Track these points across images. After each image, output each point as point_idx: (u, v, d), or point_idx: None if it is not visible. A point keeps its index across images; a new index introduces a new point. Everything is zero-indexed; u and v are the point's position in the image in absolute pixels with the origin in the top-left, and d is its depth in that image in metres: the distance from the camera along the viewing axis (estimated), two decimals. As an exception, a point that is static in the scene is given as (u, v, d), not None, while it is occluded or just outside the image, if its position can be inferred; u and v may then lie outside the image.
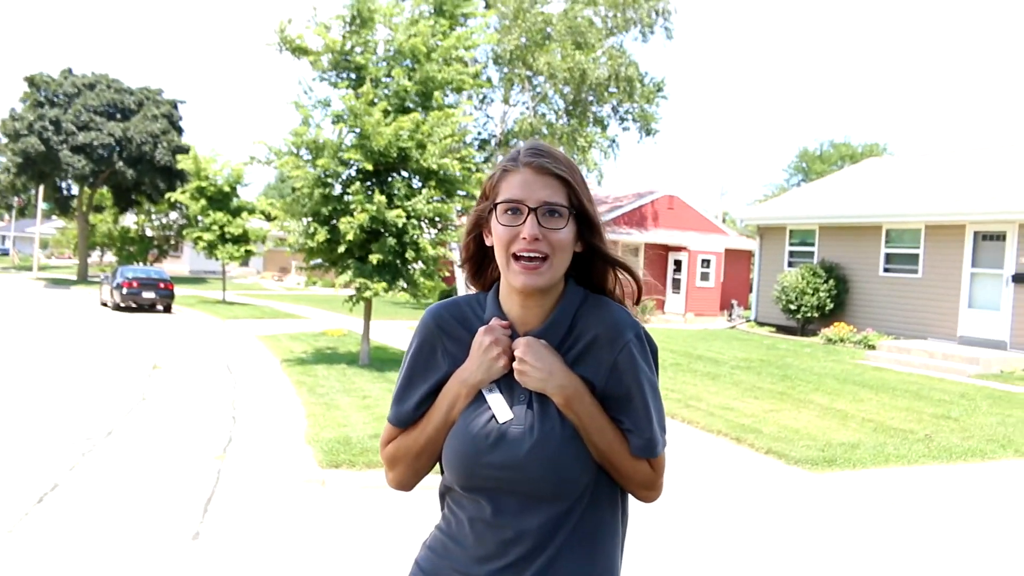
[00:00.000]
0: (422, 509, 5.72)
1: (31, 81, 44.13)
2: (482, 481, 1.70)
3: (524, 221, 1.66)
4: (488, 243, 1.76)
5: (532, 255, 1.66)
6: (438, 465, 1.85)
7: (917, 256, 18.01)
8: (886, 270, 18.82)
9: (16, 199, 59.25)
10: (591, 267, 1.81)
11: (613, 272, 1.82)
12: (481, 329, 1.75)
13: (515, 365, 1.70)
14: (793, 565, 5.12)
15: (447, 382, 1.78)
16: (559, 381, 1.68)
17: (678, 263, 29.49)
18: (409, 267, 13.05)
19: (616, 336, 1.72)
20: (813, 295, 19.31)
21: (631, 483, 1.76)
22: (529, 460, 1.66)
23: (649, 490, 1.79)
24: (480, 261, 1.85)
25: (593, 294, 1.80)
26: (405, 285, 13.18)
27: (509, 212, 1.68)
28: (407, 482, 1.87)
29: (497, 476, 1.68)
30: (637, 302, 1.86)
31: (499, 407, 1.71)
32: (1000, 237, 16.26)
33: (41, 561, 4.82)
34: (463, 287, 29.88)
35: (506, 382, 1.73)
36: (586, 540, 1.71)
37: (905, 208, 18.40)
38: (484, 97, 29.34)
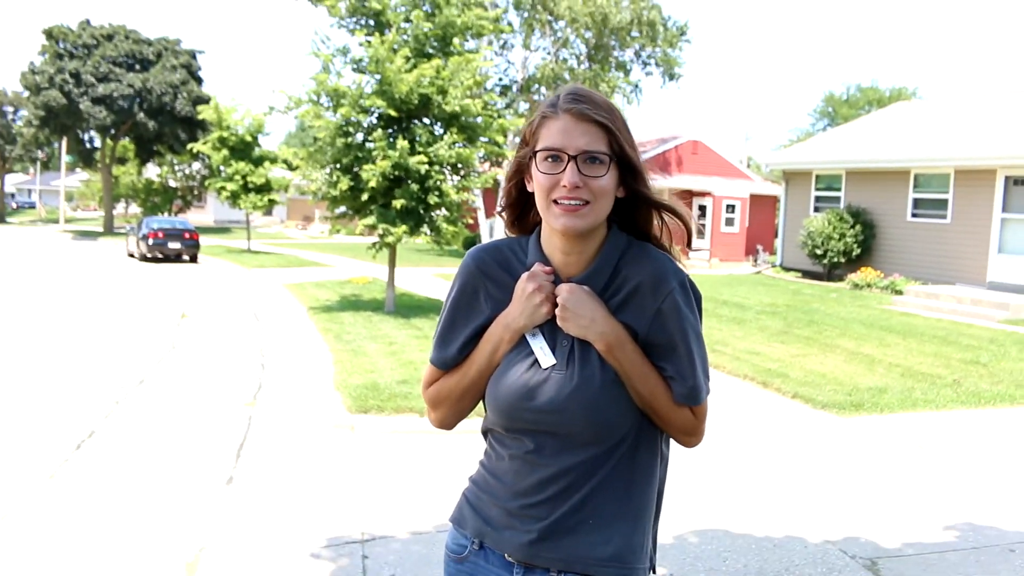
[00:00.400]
0: (449, 454, 5.79)
1: (49, 34, 44.09)
2: (524, 424, 1.73)
3: (564, 169, 1.65)
4: (530, 189, 1.75)
5: (573, 201, 1.65)
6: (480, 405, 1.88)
7: (946, 201, 17.75)
8: (914, 215, 18.58)
9: (40, 152, 59.66)
10: (635, 212, 1.79)
11: (659, 216, 1.81)
12: (524, 275, 1.75)
13: (557, 312, 1.71)
14: (820, 506, 5.14)
15: (490, 326, 1.79)
16: (601, 328, 1.69)
17: (702, 208, 29.25)
18: (432, 213, 13.04)
19: (660, 284, 1.71)
20: (839, 240, 19.13)
21: (673, 428, 1.78)
22: (570, 405, 1.68)
23: (690, 436, 1.81)
24: (522, 207, 1.84)
25: (637, 241, 1.79)
26: (428, 231, 13.17)
27: (549, 160, 1.67)
28: (449, 422, 1.91)
29: (538, 419, 1.71)
30: (688, 244, 1.85)
31: (542, 352, 1.73)
32: (1032, 180, 15.97)
33: (81, 505, 4.93)
34: (486, 234, 29.86)
35: (549, 327, 1.74)
36: (623, 481, 1.74)
37: (934, 153, 18.09)
38: (504, 43, 29.00)
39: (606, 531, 1.73)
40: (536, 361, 1.73)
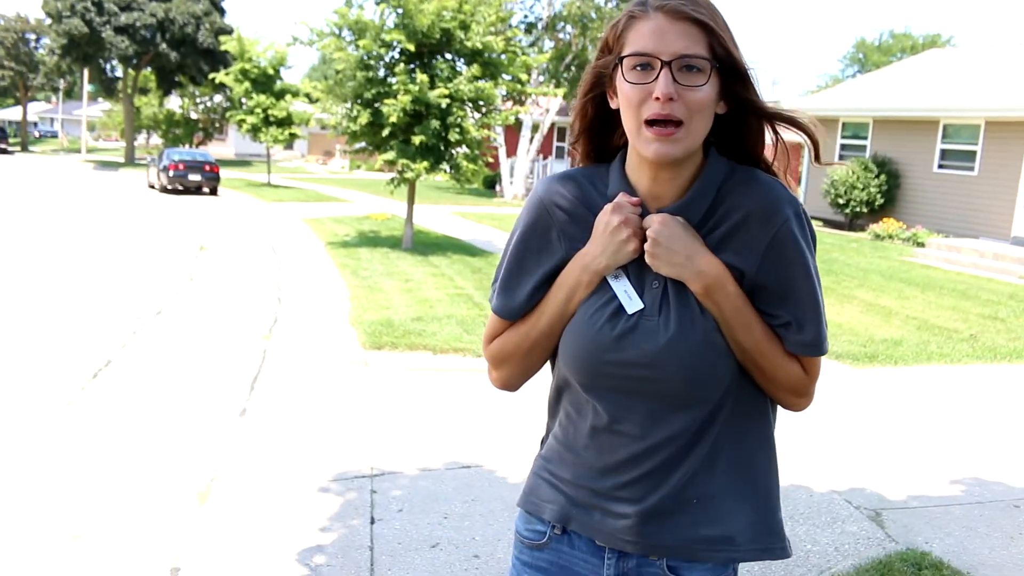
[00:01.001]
0: (461, 393, 5.83)
1: (71, -41, 43.65)
2: (608, 381, 1.48)
3: (656, 78, 1.38)
4: (613, 106, 1.49)
5: (666, 120, 1.39)
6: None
7: (975, 153, 17.43)
8: (940, 166, 18.28)
9: (62, 81, 59.57)
10: (741, 130, 1.52)
11: (774, 134, 1.55)
12: (607, 206, 1.49)
13: (647, 247, 1.45)
14: (828, 457, 5.15)
15: (564, 268, 1.53)
16: (698, 266, 1.43)
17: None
18: (453, 150, 12.96)
19: (772, 213, 1.45)
20: (863, 190, 18.89)
21: (780, 388, 1.53)
22: (663, 357, 1.43)
23: (800, 396, 1.56)
24: (599, 131, 1.58)
25: (741, 166, 1.52)
26: (448, 168, 13.11)
27: (638, 68, 1.40)
28: (515, 381, 1.66)
29: (625, 375, 1.46)
30: (817, 159, 1.59)
31: (628, 297, 1.48)
32: (1064, 133, 15.64)
33: (96, 433, 5.01)
34: (507, 174, 29.66)
35: (635, 268, 1.48)
36: (732, 451, 1.51)
37: (965, 102, 17.72)
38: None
39: (716, 510, 1.50)
40: (620, 307, 1.47)
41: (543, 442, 1.68)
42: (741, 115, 1.50)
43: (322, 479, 4.45)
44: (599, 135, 1.58)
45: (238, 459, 4.71)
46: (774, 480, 1.58)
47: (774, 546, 1.56)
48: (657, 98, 1.37)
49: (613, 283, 1.49)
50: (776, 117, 1.52)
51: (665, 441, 1.47)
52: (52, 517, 3.88)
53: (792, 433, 5.53)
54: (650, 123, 1.40)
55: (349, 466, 4.64)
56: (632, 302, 1.47)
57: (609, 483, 1.51)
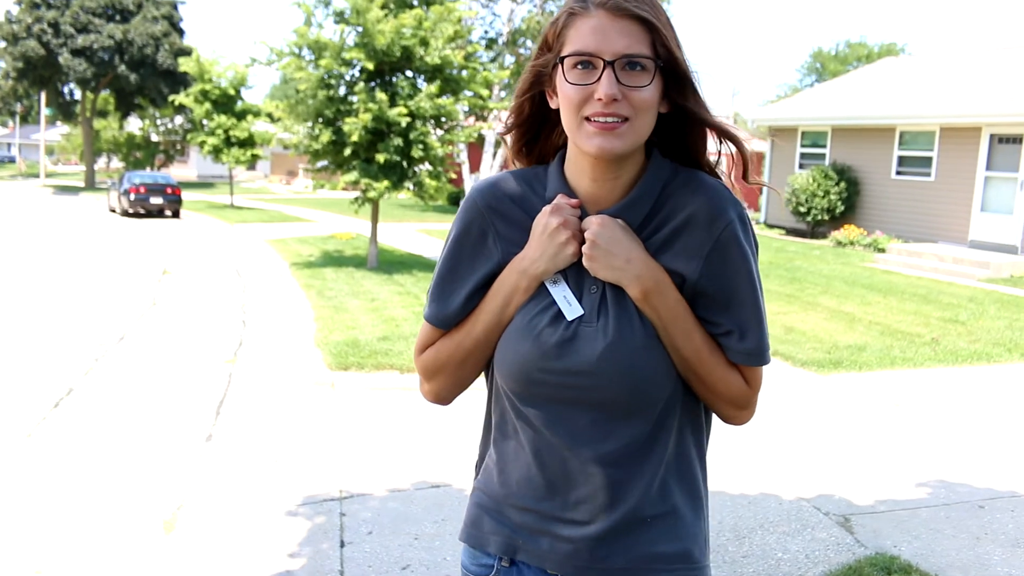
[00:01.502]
0: (428, 412, 5.80)
1: (26, -19, 43.15)
2: (546, 390, 1.40)
3: (599, 78, 1.32)
4: (553, 105, 1.43)
5: (610, 119, 1.34)
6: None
7: (931, 159, 17.73)
8: (898, 173, 18.56)
9: (19, 105, 58.70)
10: (684, 131, 1.47)
11: (716, 139, 1.49)
12: (546, 208, 1.43)
13: (584, 249, 1.39)
14: (796, 464, 5.19)
15: (501, 273, 1.47)
16: (637, 270, 1.37)
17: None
18: (416, 168, 12.95)
19: (716, 216, 1.40)
20: (824, 197, 19.13)
21: (720, 400, 1.46)
22: (602, 364, 1.37)
23: (741, 409, 1.48)
24: (535, 129, 1.52)
25: (685, 168, 1.47)
26: (411, 186, 13.09)
27: (579, 67, 1.34)
28: (448, 394, 1.57)
29: (563, 384, 1.39)
30: (744, 177, 1.52)
31: (567, 302, 1.42)
32: (1017, 140, 15.94)
33: (59, 464, 4.92)
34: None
35: (574, 272, 1.42)
36: (678, 463, 1.46)
37: (920, 110, 18.04)
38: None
39: (672, 526, 1.45)
40: (559, 313, 1.41)
41: (478, 466, 1.60)
42: (683, 116, 1.45)
43: (290, 503, 4.40)
44: (533, 132, 1.53)
45: (205, 486, 4.65)
46: (706, 492, 1.54)
47: (709, 562, 1.53)
48: (600, 99, 1.32)
49: (552, 288, 1.43)
50: (712, 126, 1.46)
51: (610, 454, 1.40)
52: (12, 553, 3.79)
53: (759, 441, 5.57)
54: (591, 120, 1.35)
55: (318, 489, 4.59)
56: (572, 308, 1.41)
57: (555, 504, 1.44)
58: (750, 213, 19.08)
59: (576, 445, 1.40)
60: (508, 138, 1.56)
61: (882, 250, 16.93)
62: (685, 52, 1.40)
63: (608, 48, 1.32)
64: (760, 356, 1.44)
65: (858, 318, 9.90)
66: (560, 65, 1.37)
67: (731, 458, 5.23)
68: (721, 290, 1.41)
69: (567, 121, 1.38)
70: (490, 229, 1.49)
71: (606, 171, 1.41)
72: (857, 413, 6.37)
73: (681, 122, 1.45)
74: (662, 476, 1.43)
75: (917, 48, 75.74)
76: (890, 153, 18.68)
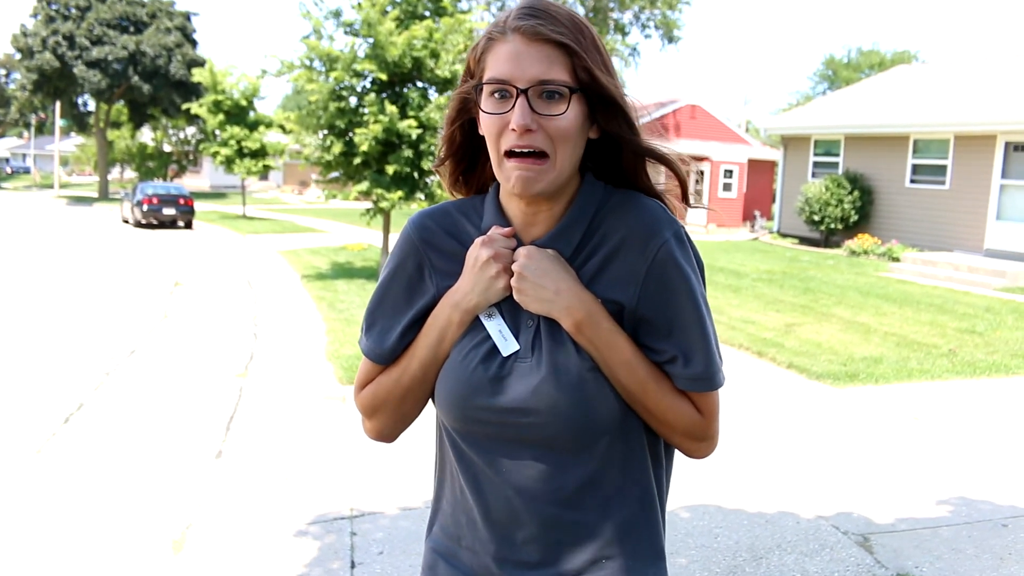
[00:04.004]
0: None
1: (41, -6, 43.55)
2: (485, 428, 1.35)
3: (513, 107, 1.27)
4: (481, 132, 1.36)
5: (526, 151, 1.28)
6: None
7: (945, 167, 17.61)
8: (912, 181, 18.45)
9: (34, 116, 59.19)
10: (616, 157, 1.40)
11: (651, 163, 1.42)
12: (477, 240, 1.38)
13: (513, 282, 1.33)
14: (814, 481, 5.11)
15: (436, 307, 1.41)
16: (567, 302, 1.31)
17: (700, 173, 29.03)
18: (427, 179, 12.94)
19: (649, 237, 1.32)
20: (837, 206, 19.02)
21: (675, 432, 1.38)
22: (537, 401, 1.31)
23: (699, 440, 1.39)
24: (469, 158, 1.47)
25: (620, 190, 1.40)
26: (423, 197, 13.08)
27: (496, 95, 1.29)
28: (390, 432, 1.51)
29: (502, 421, 1.33)
30: (685, 200, 1.45)
31: (502, 337, 1.37)
32: (1032, 146, 15.84)
33: (68, 480, 4.89)
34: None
35: (509, 306, 1.37)
36: (631, 500, 1.38)
37: (934, 118, 17.93)
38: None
39: (623, 567, 1.37)
40: (494, 348, 1.36)
41: (433, 506, 1.53)
42: (614, 141, 1.38)
43: (300, 522, 4.35)
44: (467, 162, 1.47)
45: (214, 504, 4.60)
46: (663, 531, 1.45)
47: None
48: (514, 129, 1.26)
49: (486, 322, 1.38)
50: (645, 152, 1.38)
51: (555, 492, 1.34)
52: (20, 573, 3.75)
53: (776, 456, 5.49)
54: (511, 154, 1.29)
55: (328, 508, 4.54)
56: (507, 343, 1.36)
57: (504, 545, 1.38)
58: (763, 222, 18.91)
59: (520, 484, 1.35)
60: (443, 169, 1.49)
61: (897, 259, 16.80)
62: (612, 74, 1.33)
63: (522, 75, 1.26)
64: (708, 381, 1.35)
65: (873, 329, 9.80)
66: (480, 92, 1.31)
67: (747, 475, 5.16)
68: (661, 315, 1.33)
69: (491, 153, 1.33)
70: (425, 263, 1.44)
71: (536, 203, 1.36)
72: (874, 427, 6.28)
73: (614, 147, 1.38)
74: (615, 514, 1.36)
75: (930, 55, 75.39)
76: (904, 161, 18.56)
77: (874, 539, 4.27)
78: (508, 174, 1.30)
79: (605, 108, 1.32)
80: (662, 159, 1.40)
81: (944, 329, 9.91)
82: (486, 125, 1.31)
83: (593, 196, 1.38)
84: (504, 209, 1.40)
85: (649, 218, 1.34)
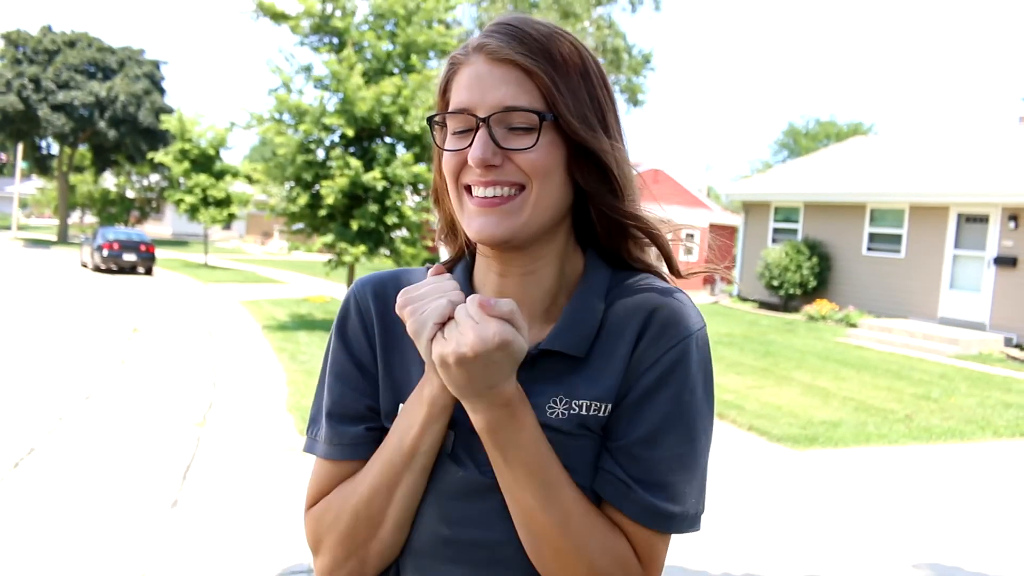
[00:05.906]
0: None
1: (8, 38, 43.52)
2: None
3: (472, 140, 1.04)
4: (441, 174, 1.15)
5: (489, 190, 1.04)
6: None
7: (900, 236, 18.04)
8: (869, 249, 18.86)
9: (-6, 157, 58.54)
10: (589, 221, 1.14)
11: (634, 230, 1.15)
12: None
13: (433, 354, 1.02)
14: (778, 544, 5.12)
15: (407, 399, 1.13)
16: (478, 388, 1.01)
17: (690, 236, 29.37)
18: (391, 234, 12.99)
19: (669, 328, 1.07)
20: (796, 272, 19.34)
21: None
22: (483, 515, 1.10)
23: None
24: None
25: (619, 271, 1.15)
26: (387, 252, 13.11)
27: (456, 130, 1.08)
28: (371, 568, 1.16)
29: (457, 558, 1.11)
30: (671, 270, 1.19)
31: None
32: (983, 220, 16.30)
33: (16, 529, 4.75)
34: (446, 255, 29.73)
35: None
36: None
37: (889, 188, 18.42)
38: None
39: None
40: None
41: None
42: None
43: None
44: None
45: (169, 554, 4.50)
46: None
47: None
48: (471, 164, 1.03)
49: None
50: (626, 217, 1.12)
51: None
52: (-36, 623, 3.63)
53: (739, 520, 5.50)
54: (472, 193, 1.06)
55: (289, 561, 4.46)
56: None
57: None
58: (723, 286, 19.02)
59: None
60: (440, 233, 1.24)
61: (854, 325, 17.08)
62: (596, 114, 1.08)
63: (483, 101, 1.03)
64: (681, 522, 1.06)
65: (832, 393, 9.92)
66: (444, 127, 1.09)
67: (712, 538, 5.16)
68: (644, 421, 1.06)
69: (452, 200, 1.10)
70: (374, 338, 1.18)
71: (511, 262, 1.10)
72: (835, 491, 6.33)
73: (587, 209, 1.12)
74: None
75: (884, 127, 77.75)
76: (861, 229, 18.98)
77: (834, 601, 4.28)
78: (470, 218, 1.06)
79: (579, 156, 1.06)
80: (648, 233, 1.15)
81: (901, 395, 10.06)
82: (444, 163, 1.08)
83: (601, 279, 1.13)
84: (477, 284, 1.16)
85: (674, 309, 1.09)
